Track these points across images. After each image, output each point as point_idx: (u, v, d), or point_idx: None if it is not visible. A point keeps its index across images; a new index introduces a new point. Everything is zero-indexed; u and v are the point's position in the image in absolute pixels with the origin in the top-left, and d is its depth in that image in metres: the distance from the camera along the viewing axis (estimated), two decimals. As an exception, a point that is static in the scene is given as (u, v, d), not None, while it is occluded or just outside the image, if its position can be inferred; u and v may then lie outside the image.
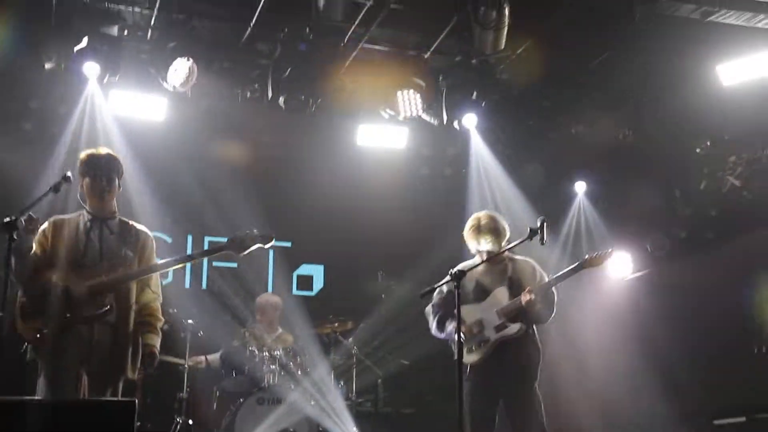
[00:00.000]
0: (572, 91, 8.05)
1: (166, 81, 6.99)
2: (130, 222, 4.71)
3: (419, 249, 8.90)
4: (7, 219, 4.03)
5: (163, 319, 4.72)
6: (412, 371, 7.45)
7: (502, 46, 6.89)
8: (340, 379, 7.54)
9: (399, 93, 7.42)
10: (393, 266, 7.54)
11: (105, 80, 6.99)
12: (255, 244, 4.70)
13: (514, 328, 5.27)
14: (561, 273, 5.36)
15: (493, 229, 5.38)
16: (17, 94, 7.66)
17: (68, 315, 4.28)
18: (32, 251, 4.37)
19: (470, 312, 5.32)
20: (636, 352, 7.70)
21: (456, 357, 4.73)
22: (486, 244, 5.37)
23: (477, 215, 5.51)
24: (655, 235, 8.23)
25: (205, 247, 8.84)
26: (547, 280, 5.41)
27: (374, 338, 7.37)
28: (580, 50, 7.45)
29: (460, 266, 5.12)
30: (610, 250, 5.39)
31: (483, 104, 7.88)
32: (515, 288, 5.35)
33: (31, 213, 4.24)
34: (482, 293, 5.40)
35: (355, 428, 6.95)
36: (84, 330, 4.34)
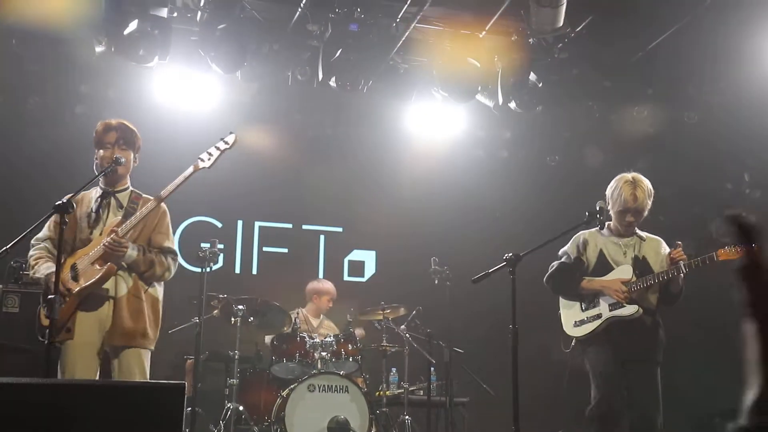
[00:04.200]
0: (634, 70, 7.75)
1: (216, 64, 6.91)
2: (143, 195, 4.53)
3: (473, 233, 8.72)
4: (59, 202, 3.99)
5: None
6: (465, 359, 7.29)
7: (561, 24, 6.64)
8: (391, 366, 7.41)
9: None
10: (446, 252, 7.37)
11: (154, 63, 6.92)
12: (219, 150, 4.62)
13: (630, 309, 4.92)
14: (691, 262, 4.82)
15: (648, 196, 4.97)
16: (69, 79, 7.68)
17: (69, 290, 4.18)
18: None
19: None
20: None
21: (511, 344, 4.47)
22: (630, 214, 4.95)
23: (634, 175, 4.97)
24: (719, 221, 7.89)
25: (256, 233, 8.79)
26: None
27: (427, 325, 7.21)
28: (643, 27, 7.15)
29: (585, 233, 5.10)
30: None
31: (540, 85, 7.64)
32: (640, 267, 5.00)
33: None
34: (605, 266, 5.05)
35: (407, 416, 6.82)
36: (94, 306, 4.26)
